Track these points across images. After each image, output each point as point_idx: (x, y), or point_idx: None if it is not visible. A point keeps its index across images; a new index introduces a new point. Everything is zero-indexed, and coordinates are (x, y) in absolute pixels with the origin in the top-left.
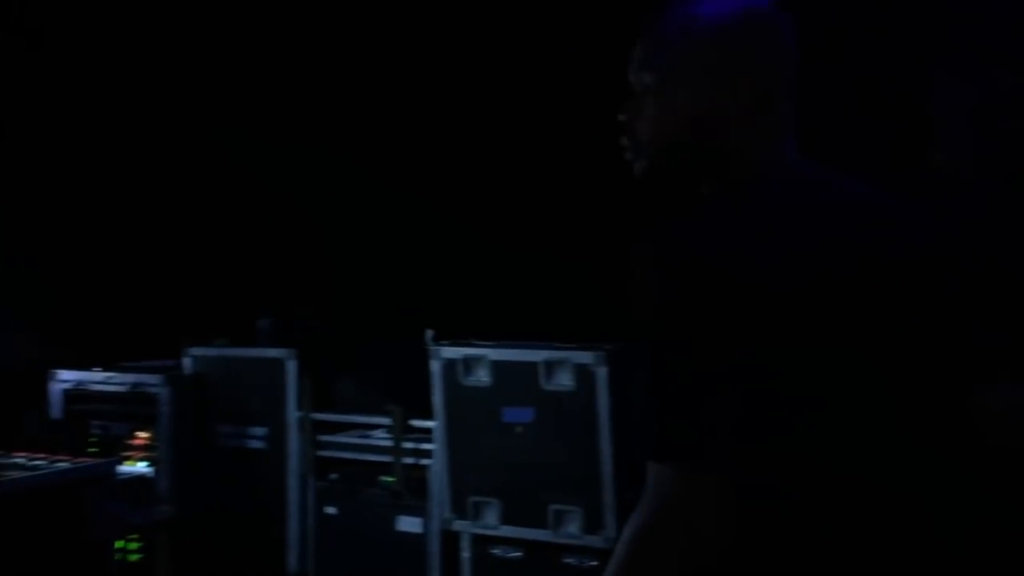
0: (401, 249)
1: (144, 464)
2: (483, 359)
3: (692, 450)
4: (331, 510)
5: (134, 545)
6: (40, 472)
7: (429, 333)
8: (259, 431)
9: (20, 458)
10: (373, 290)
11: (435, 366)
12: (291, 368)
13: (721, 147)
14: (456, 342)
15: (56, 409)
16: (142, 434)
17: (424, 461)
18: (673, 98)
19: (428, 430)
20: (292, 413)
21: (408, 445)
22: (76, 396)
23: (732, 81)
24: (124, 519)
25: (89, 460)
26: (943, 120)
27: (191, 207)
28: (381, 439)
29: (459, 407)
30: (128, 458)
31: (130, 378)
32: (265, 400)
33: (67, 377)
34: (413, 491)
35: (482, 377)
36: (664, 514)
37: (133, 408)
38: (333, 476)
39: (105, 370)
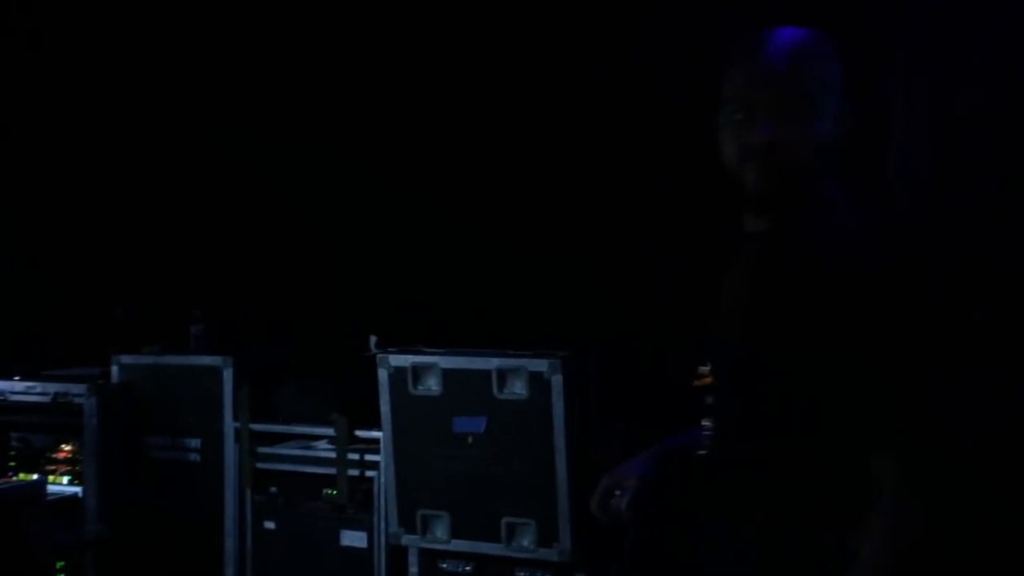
0: (344, 252)
1: (68, 479)
2: (433, 367)
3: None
4: (271, 524)
5: (60, 564)
6: None
7: (373, 339)
8: (193, 443)
9: None
10: (314, 295)
11: (382, 374)
12: (227, 376)
13: (834, 165)
14: (404, 349)
15: None
16: (66, 447)
17: (370, 473)
18: (819, 120)
19: (375, 441)
20: (228, 423)
21: (353, 456)
22: None
23: (843, 102)
24: (53, 541)
25: (16, 480)
26: (901, 125)
27: (118, 206)
28: (324, 450)
29: (408, 417)
30: (51, 472)
31: (53, 388)
32: (200, 410)
33: None
34: (358, 504)
35: (432, 386)
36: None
37: (56, 419)
38: (273, 489)
39: (25, 379)
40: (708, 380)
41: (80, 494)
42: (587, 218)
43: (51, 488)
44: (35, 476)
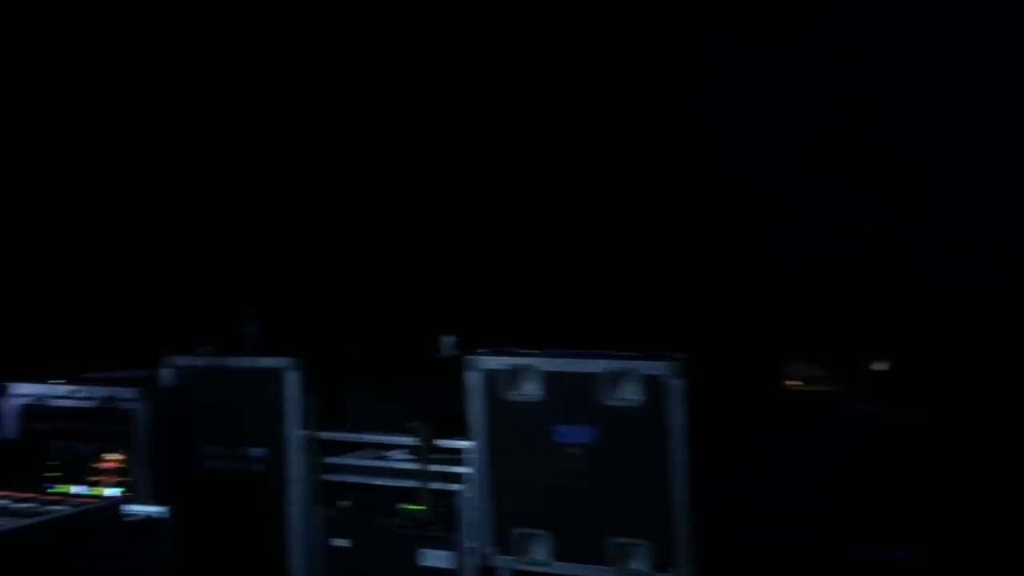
0: (419, 246)
1: (118, 491)
2: (532, 370)
3: None
4: (341, 542)
5: None
6: (35, 518)
7: (449, 339)
8: (255, 452)
9: (3, 499)
10: (374, 292)
11: (473, 378)
12: (293, 380)
13: None
14: (498, 350)
15: (10, 428)
16: (113, 456)
17: (453, 486)
18: None
19: (456, 451)
20: (293, 431)
21: (436, 468)
22: (33, 413)
23: None
24: (127, 571)
25: (92, 501)
26: None
27: (165, 201)
28: (401, 461)
29: (502, 425)
30: (96, 484)
31: (99, 392)
32: (262, 416)
33: (24, 391)
34: (441, 521)
35: (531, 390)
36: None
37: (100, 426)
38: (344, 503)
39: (68, 382)
40: (798, 383)
41: (162, 514)
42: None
43: (133, 509)
44: (79, 488)
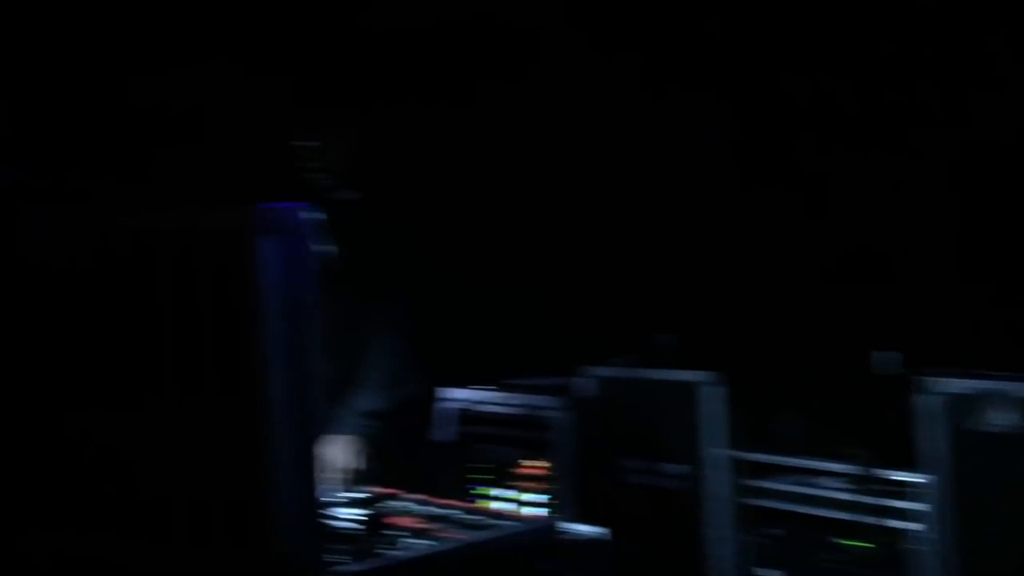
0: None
1: (539, 498)
2: (1007, 396)
3: None
4: (771, 572)
5: None
6: (490, 532)
7: (889, 357)
8: (675, 469)
9: (454, 510)
10: (808, 305)
11: (928, 402)
12: (715, 395)
13: None
14: (962, 372)
15: (446, 432)
16: (530, 462)
17: (901, 524)
18: None
19: (901, 483)
20: (715, 449)
21: (882, 502)
22: (465, 418)
23: None
24: None
25: (535, 517)
26: None
27: (581, 215)
28: (831, 490)
29: (967, 459)
30: (515, 489)
31: (528, 400)
32: (682, 432)
33: (456, 396)
34: (888, 561)
35: (1006, 420)
36: None
37: (523, 433)
38: (775, 531)
39: (494, 389)
40: None
41: (603, 536)
42: None
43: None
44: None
